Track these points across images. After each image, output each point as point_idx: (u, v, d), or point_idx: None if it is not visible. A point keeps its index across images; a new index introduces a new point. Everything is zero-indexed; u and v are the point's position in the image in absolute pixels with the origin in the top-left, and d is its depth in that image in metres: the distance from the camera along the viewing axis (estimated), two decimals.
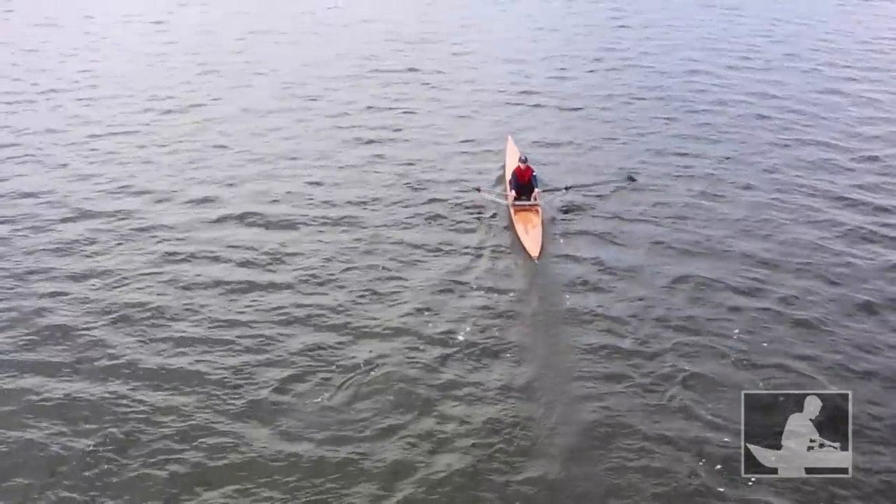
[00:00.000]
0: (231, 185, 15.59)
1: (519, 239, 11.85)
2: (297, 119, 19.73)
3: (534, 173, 13.11)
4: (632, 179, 14.37)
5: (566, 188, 13.39)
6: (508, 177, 13.34)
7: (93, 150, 17.83)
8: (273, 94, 22.06)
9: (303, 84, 22.81)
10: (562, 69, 23.95)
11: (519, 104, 20.31)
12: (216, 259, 12.56)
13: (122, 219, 14.11)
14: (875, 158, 16.41)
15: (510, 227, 12.45)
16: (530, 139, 17.14)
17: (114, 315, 11.06)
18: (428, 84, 22.57)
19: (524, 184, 12.88)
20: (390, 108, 20.21)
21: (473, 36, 29.09)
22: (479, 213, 13.44)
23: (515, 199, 12.71)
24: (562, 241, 12.52)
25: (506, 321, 10.59)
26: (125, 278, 12.03)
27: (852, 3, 34.16)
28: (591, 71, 23.79)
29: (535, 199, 12.71)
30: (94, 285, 11.84)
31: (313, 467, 8.27)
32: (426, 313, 10.72)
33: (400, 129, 18.45)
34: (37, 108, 21.29)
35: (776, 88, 21.49)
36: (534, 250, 11.42)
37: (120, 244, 13.16)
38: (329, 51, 26.84)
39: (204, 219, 14.12)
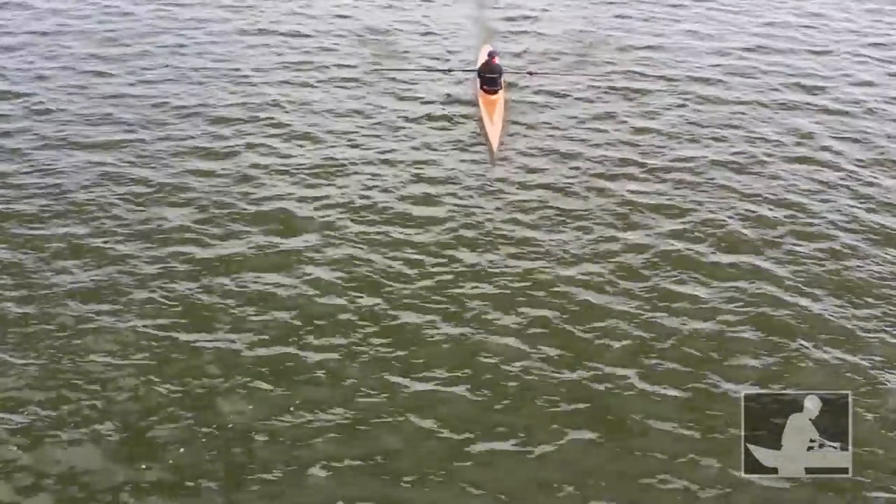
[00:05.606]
0: None
1: (484, 130, 13.26)
2: None
3: (499, 64, 14.17)
4: (531, 74, 15.04)
5: (529, 73, 14.77)
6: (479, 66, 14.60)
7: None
8: None
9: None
10: None
11: None
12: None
13: None
14: None
15: (478, 117, 13.78)
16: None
17: None
18: None
19: (490, 72, 14.03)
20: None
21: None
22: (449, 99, 14.59)
23: (482, 86, 13.99)
24: (521, 134, 13.75)
25: (467, 217, 11.65)
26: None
27: None
28: None
29: (501, 87, 13.96)
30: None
31: None
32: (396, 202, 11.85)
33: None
34: None
35: None
36: (494, 146, 12.93)
37: None
38: None
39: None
